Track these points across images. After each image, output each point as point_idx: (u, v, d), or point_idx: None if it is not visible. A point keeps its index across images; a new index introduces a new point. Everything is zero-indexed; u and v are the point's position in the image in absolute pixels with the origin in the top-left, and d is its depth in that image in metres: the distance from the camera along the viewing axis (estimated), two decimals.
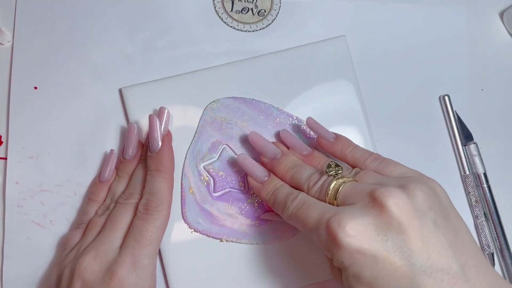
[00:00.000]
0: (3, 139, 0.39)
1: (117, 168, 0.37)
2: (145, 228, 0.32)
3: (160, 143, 0.35)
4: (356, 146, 0.33)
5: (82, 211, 0.37)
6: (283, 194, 0.32)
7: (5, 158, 0.39)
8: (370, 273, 0.25)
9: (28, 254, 0.37)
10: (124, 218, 0.34)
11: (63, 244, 0.36)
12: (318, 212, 0.28)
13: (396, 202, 0.25)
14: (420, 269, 0.24)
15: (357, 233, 0.25)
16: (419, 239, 0.25)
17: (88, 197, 0.37)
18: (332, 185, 0.29)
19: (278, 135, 0.37)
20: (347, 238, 0.25)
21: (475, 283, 0.24)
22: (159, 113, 0.36)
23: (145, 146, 0.37)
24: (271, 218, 0.36)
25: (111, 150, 0.37)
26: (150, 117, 0.35)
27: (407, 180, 0.28)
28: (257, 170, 0.34)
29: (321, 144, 0.35)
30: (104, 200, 0.37)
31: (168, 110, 0.36)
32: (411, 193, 0.26)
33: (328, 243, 0.26)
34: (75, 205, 0.38)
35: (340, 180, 0.29)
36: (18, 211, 0.38)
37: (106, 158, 0.37)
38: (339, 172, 0.30)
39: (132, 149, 0.36)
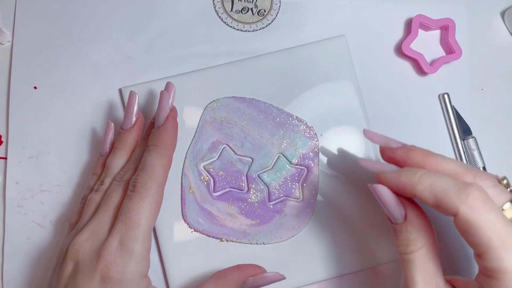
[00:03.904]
0: (3, 139, 0.39)
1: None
2: (132, 208, 0.30)
3: (164, 119, 0.33)
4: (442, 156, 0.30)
5: (86, 186, 0.36)
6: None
7: (5, 158, 0.39)
8: None
9: (28, 254, 0.37)
10: (116, 197, 0.32)
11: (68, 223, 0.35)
12: None
13: None
14: None
15: None
16: None
17: (92, 172, 0.36)
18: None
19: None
20: None
21: None
22: (166, 88, 0.34)
23: (150, 123, 0.36)
24: None
25: (108, 122, 0.36)
26: (162, 93, 0.33)
27: None
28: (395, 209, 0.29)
29: (396, 153, 0.31)
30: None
31: (173, 85, 0.34)
32: None
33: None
34: (75, 206, 0.38)
35: None
36: (18, 211, 0.38)
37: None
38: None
39: (129, 118, 0.34)
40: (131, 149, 0.35)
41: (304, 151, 0.38)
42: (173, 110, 0.34)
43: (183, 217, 0.37)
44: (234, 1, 0.40)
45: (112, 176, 0.34)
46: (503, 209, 0.27)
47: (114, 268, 0.29)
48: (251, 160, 0.38)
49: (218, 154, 0.38)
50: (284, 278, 0.34)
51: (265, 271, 0.34)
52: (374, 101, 0.39)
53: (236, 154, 0.38)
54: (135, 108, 0.35)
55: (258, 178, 0.37)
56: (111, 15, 0.40)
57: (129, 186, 0.31)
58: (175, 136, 0.34)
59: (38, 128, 0.39)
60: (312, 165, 0.38)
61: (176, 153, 0.37)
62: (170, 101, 0.34)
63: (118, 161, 0.34)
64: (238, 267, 0.34)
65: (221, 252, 0.37)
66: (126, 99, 0.38)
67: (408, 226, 0.29)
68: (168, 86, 0.34)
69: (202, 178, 0.37)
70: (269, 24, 0.40)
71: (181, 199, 0.37)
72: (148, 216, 0.30)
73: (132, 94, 0.35)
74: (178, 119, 0.38)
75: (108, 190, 0.33)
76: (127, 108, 0.35)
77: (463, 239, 0.26)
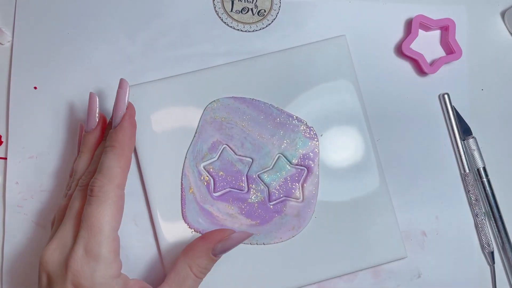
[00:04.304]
0: (3, 139, 0.39)
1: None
2: (92, 213, 0.29)
3: (120, 118, 0.33)
4: None
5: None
6: None
7: (5, 158, 0.39)
8: None
9: (28, 254, 0.37)
10: (77, 203, 0.31)
11: None
12: None
13: None
14: None
15: None
16: None
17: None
18: None
19: None
20: None
21: None
22: (120, 86, 0.33)
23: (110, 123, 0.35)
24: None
25: (80, 124, 0.36)
26: (118, 92, 0.33)
27: None
28: None
29: None
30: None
31: (127, 82, 0.34)
32: None
33: None
34: None
35: None
36: (18, 211, 0.38)
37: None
38: None
39: (91, 120, 0.34)
40: (93, 151, 0.34)
41: (304, 151, 0.38)
42: (130, 108, 0.33)
43: (183, 217, 0.37)
44: (234, 1, 0.40)
45: (77, 180, 0.33)
46: None
47: (83, 276, 0.29)
48: (251, 160, 0.38)
49: (218, 154, 0.38)
50: (252, 234, 0.34)
51: (232, 232, 0.34)
52: (374, 101, 0.39)
53: (236, 154, 0.38)
54: (97, 110, 0.34)
55: (258, 178, 0.37)
56: (111, 15, 0.40)
57: (88, 191, 0.30)
58: (132, 135, 0.33)
59: (38, 128, 0.39)
60: (312, 165, 0.38)
61: (176, 153, 0.37)
62: (126, 99, 0.33)
63: (83, 164, 0.34)
64: (203, 236, 0.34)
65: None
66: None
67: None
68: (122, 83, 0.33)
69: (202, 178, 0.37)
70: (269, 24, 0.40)
71: (181, 199, 0.37)
72: (109, 219, 0.30)
73: (92, 95, 0.34)
74: (178, 120, 0.38)
75: (72, 196, 0.32)
76: (88, 110, 0.34)
77: None
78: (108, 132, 0.33)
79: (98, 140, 0.34)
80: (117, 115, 0.33)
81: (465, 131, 0.39)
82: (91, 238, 0.29)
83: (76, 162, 0.34)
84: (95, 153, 0.34)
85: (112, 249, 0.30)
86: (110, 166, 0.31)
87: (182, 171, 0.37)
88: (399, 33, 0.40)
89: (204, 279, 0.36)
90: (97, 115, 0.34)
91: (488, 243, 0.38)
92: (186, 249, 0.33)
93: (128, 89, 0.33)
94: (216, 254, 0.33)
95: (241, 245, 0.37)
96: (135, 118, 0.34)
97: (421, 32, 0.40)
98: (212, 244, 0.33)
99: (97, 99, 0.34)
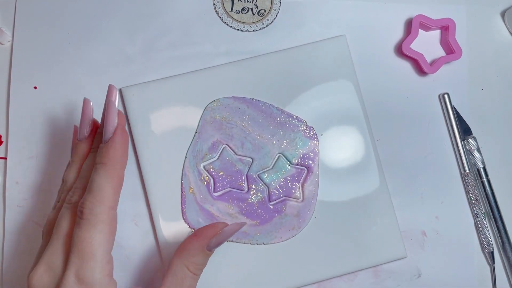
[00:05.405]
0: (3, 139, 0.39)
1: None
2: (82, 238, 0.27)
3: (111, 133, 0.30)
4: None
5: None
6: None
7: (5, 158, 0.39)
8: None
9: (28, 254, 0.37)
10: (65, 222, 0.29)
11: None
12: None
13: None
14: None
15: None
16: None
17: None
18: None
19: None
20: None
21: None
22: (109, 93, 0.30)
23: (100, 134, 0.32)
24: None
25: (74, 127, 0.35)
26: (109, 103, 0.30)
27: None
28: None
29: None
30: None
31: (116, 88, 0.31)
32: None
33: None
34: None
35: None
36: (18, 211, 0.38)
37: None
38: None
39: (83, 128, 0.32)
40: (83, 161, 0.32)
41: (304, 151, 0.38)
42: (121, 119, 0.31)
43: (183, 217, 0.37)
44: (234, 1, 0.40)
45: (66, 192, 0.31)
46: None
47: None
48: (251, 160, 0.38)
49: (218, 154, 0.38)
50: (245, 224, 0.33)
51: (224, 225, 0.33)
52: (374, 101, 0.39)
53: (236, 154, 0.38)
54: (90, 117, 0.32)
55: (258, 178, 0.37)
56: (111, 15, 0.40)
57: (77, 212, 0.28)
58: (124, 151, 0.30)
59: (38, 128, 0.39)
60: (312, 165, 0.38)
61: (176, 153, 0.37)
62: (116, 111, 0.30)
63: (73, 175, 0.32)
64: (195, 234, 0.32)
65: (221, 253, 0.37)
66: (126, 99, 0.38)
67: None
68: (111, 91, 0.31)
69: (202, 178, 0.37)
70: (269, 24, 0.40)
71: (181, 199, 0.37)
72: (101, 243, 0.28)
73: (86, 102, 0.32)
74: (178, 120, 0.38)
75: (59, 213, 0.30)
76: (81, 117, 0.32)
77: None
78: (95, 142, 0.32)
79: (90, 150, 0.32)
80: (108, 130, 0.30)
81: (465, 131, 0.39)
82: (83, 264, 0.27)
83: (67, 171, 0.32)
84: (82, 166, 0.32)
85: (106, 272, 0.28)
86: (101, 186, 0.28)
87: (182, 171, 0.37)
88: (399, 33, 0.41)
89: (204, 279, 0.36)
90: (89, 122, 0.32)
91: (488, 243, 0.38)
92: (180, 249, 0.32)
93: (118, 97, 0.31)
94: (211, 249, 0.32)
95: (241, 245, 0.37)
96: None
97: (421, 32, 0.40)
98: (206, 240, 0.32)
99: (92, 105, 0.32)
